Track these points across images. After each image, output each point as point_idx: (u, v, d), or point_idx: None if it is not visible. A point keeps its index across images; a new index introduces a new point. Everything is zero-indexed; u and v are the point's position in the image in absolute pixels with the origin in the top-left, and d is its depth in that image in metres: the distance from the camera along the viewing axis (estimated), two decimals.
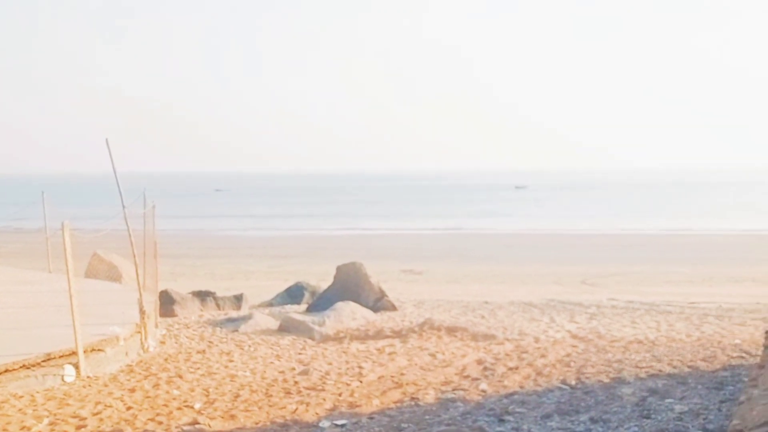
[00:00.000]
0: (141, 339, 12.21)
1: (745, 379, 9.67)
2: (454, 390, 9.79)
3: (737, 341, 13.27)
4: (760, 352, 11.37)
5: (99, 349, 10.67)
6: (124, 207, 13.33)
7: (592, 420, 8.29)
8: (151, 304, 13.67)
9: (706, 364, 11.32)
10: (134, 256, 13.58)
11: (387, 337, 14.26)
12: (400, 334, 14.39)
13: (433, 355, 12.31)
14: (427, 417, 8.44)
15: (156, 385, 9.94)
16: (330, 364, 11.59)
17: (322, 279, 21.17)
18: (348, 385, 10.05)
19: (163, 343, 13.29)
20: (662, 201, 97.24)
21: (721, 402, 8.86)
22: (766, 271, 27.13)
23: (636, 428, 7.93)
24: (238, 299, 18.34)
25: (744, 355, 11.92)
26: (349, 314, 16.13)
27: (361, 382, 10.26)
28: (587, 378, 10.44)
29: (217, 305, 17.92)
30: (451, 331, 14.45)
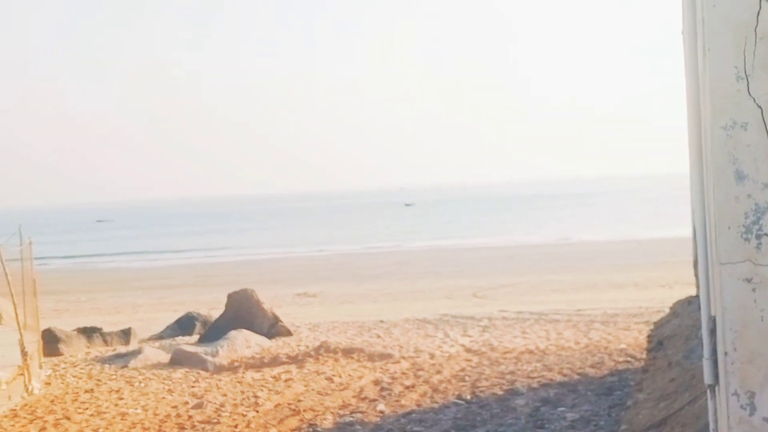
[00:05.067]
0: (24, 381, 11.68)
1: (632, 384, 10.06)
2: (351, 413, 9.78)
3: (623, 346, 13.79)
4: (644, 356, 11.86)
5: None
6: None
7: None
8: (34, 344, 13.11)
9: (594, 370, 11.70)
10: (12, 295, 13.02)
11: (283, 363, 14.10)
12: (296, 360, 14.26)
13: (330, 379, 12.27)
14: None
15: (42, 429, 9.54)
16: (225, 395, 11.38)
17: (213, 308, 20.79)
18: (244, 416, 9.90)
19: (48, 384, 12.75)
20: (533, 212, 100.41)
21: (610, 407, 9.18)
22: (647, 276, 28.29)
23: None
24: (126, 334, 17.77)
25: (630, 359, 12.38)
26: (243, 342, 15.88)
27: (257, 411, 10.12)
28: (482, 391, 10.63)
29: (105, 341, 17.32)
30: (348, 352, 14.44)
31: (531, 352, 13.91)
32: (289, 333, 17.70)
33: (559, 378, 11.26)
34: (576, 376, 11.31)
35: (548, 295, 24.76)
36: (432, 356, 13.96)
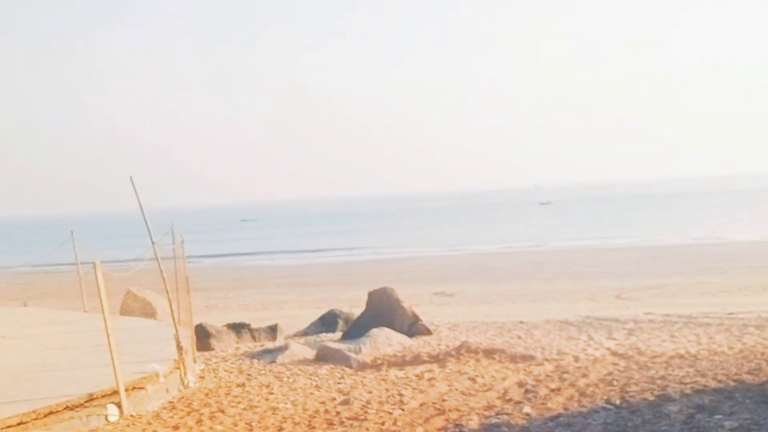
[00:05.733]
0: (180, 375, 12.20)
1: None
2: (497, 414, 9.69)
3: None
4: None
5: (140, 387, 10.68)
6: (153, 243, 13.39)
7: None
8: (188, 338, 13.67)
9: (751, 377, 11.13)
10: (167, 292, 13.61)
11: (424, 362, 14.16)
12: (437, 359, 14.29)
13: (472, 379, 12.20)
14: None
15: (199, 421, 9.92)
16: (370, 392, 11.52)
17: (354, 305, 21.14)
18: (390, 413, 9.98)
19: (202, 377, 13.29)
20: (679, 211, 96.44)
21: None
22: None
23: None
24: (272, 330, 18.31)
25: None
26: (385, 340, 16.05)
27: (403, 410, 10.18)
28: (632, 396, 10.30)
29: (253, 337, 17.90)
30: (489, 353, 14.33)
31: (681, 356, 13.37)
32: (428, 332, 17.75)
33: (713, 384, 10.77)
34: (732, 383, 10.78)
35: (697, 297, 23.78)
36: (576, 359, 13.65)
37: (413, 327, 17.89)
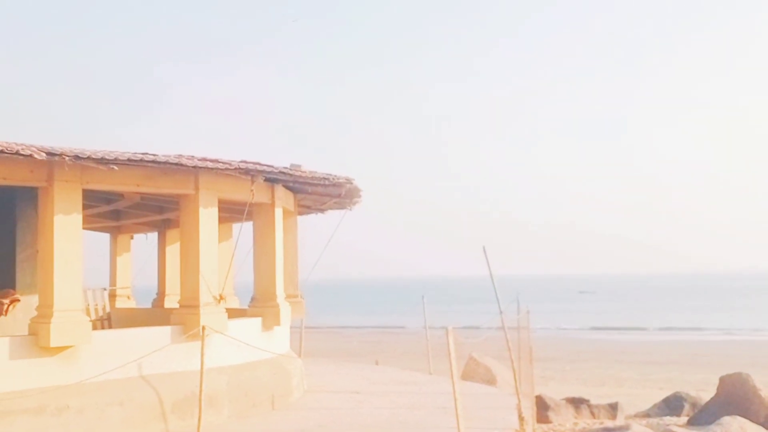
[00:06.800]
0: None
1: None
2: None
3: None
4: None
5: None
6: (501, 312, 13.74)
7: None
8: (529, 409, 13.73)
9: None
10: (512, 361, 13.85)
11: None
12: None
13: None
14: None
15: None
16: None
17: (701, 389, 19.86)
18: None
19: None
20: None
21: None
22: None
23: None
24: (613, 408, 17.80)
25: None
26: (738, 430, 14.85)
27: None
28: None
29: (592, 413, 17.54)
30: None
31: None
32: None
33: None
34: None
35: None
36: None
37: None
